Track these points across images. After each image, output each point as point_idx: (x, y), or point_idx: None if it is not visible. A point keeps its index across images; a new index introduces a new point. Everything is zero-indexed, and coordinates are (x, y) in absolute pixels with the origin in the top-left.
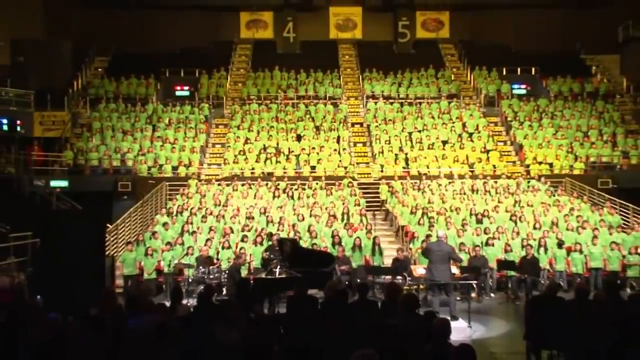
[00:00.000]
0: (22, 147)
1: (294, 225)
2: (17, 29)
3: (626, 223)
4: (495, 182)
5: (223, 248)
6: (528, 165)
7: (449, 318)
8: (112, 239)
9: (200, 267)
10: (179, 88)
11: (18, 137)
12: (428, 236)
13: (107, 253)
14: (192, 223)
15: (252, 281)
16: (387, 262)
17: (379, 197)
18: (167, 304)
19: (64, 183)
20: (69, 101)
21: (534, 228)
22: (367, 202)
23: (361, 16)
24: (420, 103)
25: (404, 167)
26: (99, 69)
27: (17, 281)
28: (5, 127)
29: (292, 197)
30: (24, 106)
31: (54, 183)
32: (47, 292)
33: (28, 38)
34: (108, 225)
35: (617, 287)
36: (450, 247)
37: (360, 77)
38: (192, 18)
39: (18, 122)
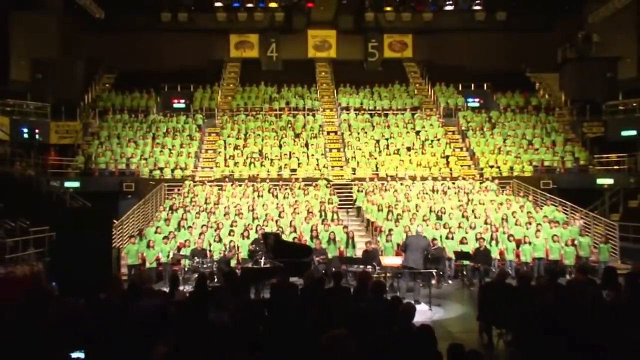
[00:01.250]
0: (40, 153)
1: (277, 221)
2: (37, 50)
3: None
4: (453, 184)
5: (215, 241)
6: (481, 169)
7: (413, 302)
8: (117, 232)
9: (195, 258)
10: (176, 101)
11: (37, 144)
12: (390, 230)
13: (113, 245)
14: (187, 219)
15: (240, 270)
16: (359, 253)
17: (351, 196)
18: (166, 290)
19: (76, 184)
20: (81, 112)
21: (486, 223)
22: (340, 200)
23: (335, 38)
24: (387, 114)
25: (373, 170)
26: (107, 85)
27: (35, 269)
28: (25, 135)
29: (276, 197)
30: (42, 117)
31: (67, 184)
32: (62, 279)
33: (46, 58)
34: (114, 220)
35: (556, 274)
36: (426, 240)
37: (335, 91)
38: (188, 40)
39: (36, 130)
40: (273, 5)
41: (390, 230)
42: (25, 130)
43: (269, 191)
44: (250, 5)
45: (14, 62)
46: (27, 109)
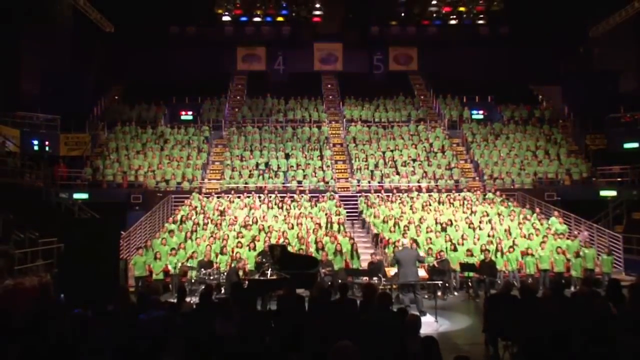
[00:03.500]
0: (50, 164)
1: (283, 233)
2: (47, 63)
3: (569, 230)
4: (458, 195)
5: (222, 253)
6: (485, 181)
7: (418, 314)
8: (125, 244)
9: (202, 269)
10: (183, 113)
11: (46, 156)
12: (395, 242)
13: (121, 256)
14: (195, 231)
15: (247, 282)
16: (364, 264)
17: (357, 208)
18: (174, 301)
19: (85, 195)
20: (90, 124)
21: (491, 235)
22: (346, 212)
23: (341, 51)
24: (392, 126)
25: (378, 182)
26: (116, 97)
27: (44, 281)
28: (36, 147)
29: (281, 208)
30: (52, 129)
31: (76, 195)
32: (70, 290)
33: (56, 71)
34: (122, 232)
35: (562, 286)
36: (415, 251)
37: (341, 103)
38: (196, 53)
39: (46, 142)
40: (280, 19)
41: (395, 242)
42: (36, 142)
43: (275, 203)
44: (257, 19)
45: (25, 75)
46: (37, 121)
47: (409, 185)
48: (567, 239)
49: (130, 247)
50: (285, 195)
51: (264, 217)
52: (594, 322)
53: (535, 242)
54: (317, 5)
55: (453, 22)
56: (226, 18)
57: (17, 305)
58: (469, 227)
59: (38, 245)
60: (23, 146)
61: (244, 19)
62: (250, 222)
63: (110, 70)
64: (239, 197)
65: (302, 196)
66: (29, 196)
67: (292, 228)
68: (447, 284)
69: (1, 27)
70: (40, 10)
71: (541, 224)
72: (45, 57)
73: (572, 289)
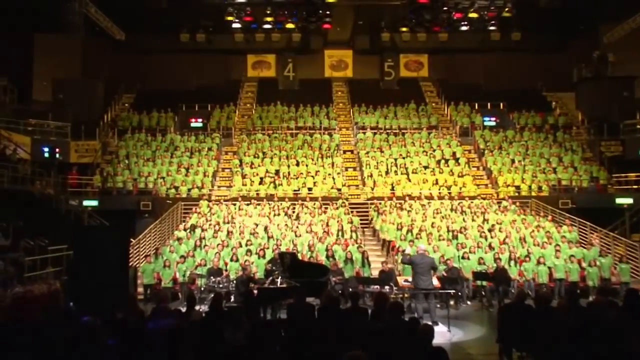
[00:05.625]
0: (60, 172)
1: (292, 241)
2: (59, 71)
3: (584, 239)
4: (471, 203)
5: (231, 260)
6: (498, 188)
7: (431, 323)
8: (134, 251)
9: (211, 277)
10: (193, 120)
11: (57, 163)
12: (403, 250)
13: (130, 264)
14: (204, 238)
15: (256, 290)
16: (375, 273)
17: (368, 215)
18: (183, 309)
19: (94, 203)
20: (100, 132)
21: (504, 243)
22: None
23: (352, 58)
24: (403, 133)
25: (390, 190)
26: (126, 104)
27: (53, 289)
28: (46, 155)
29: (291, 216)
30: (62, 136)
31: (86, 203)
32: (79, 298)
33: (67, 78)
34: (131, 239)
35: (577, 295)
36: (432, 258)
37: (351, 110)
38: (206, 60)
39: (57, 150)
40: (290, 26)
41: (403, 250)
42: (46, 149)
43: (284, 211)
44: (267, 26)
45: (36, 83)
46: (48, 128)
47: (420, 193)
48: (583, 247)
49: (140, 254)
50: (295, 202)
51: (273, 224)
52: (611, 333)
53: (550, 251)
54: (328, 12)
55: (464, 28)
56: (236, 25)
57: (26, 313)
58: (481, 236)
59: (48, 252)
60: (34, 153)
61: (254, 26)
62: (260, 230)
63: (120, 78)
64: (248, 205)
65: (315, 203)
66: (39, 203)
67: (302, 236)
68: (459, 293)
69: (13, 36)
70: (52, 19)
71: (558, 232)
72: (56, 65)
73: (590, 298)
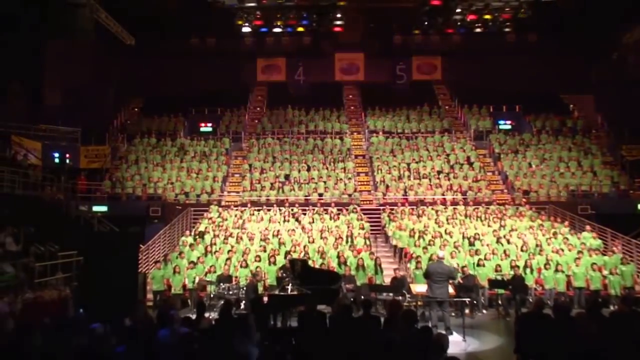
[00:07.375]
0: (70, 177)
1: (304, 247)
2: (69, 77)
3: (605, 246)
4: (487, 208)
5: (241, 267)
6: (514, 193)
7: (445, 332)
8: (144, 257)
9: (221, 284)
10: (203, 125)
11: (67, 168)
12: (418, 257)
13: (140, 270)
14: (215, 244)
15: (267, 297)
16: (387, 280)
17: (380, 221)
18: (192, 316)
19: (104, 208)
20: (110, 137)
21: (521, 250)
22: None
23: (363, 61)
24: (416, 137)
25: (402, 195)
26: (135, 109)
27: (63, 295)
28: (56, 160)
29: (302, 222)
30: (73, 141)
31: (95, 208)
32: (89, 304)
33: (77, 84)
34: (141, 245)
35: (598, 304)
36: (449, 267)
37: (363, 114)
38: (216, 64)
39: (67, 155)
40: (300, 29)
41: (418, 257)
42: (57, 154)
43: (294, 217)
44: (278, 30)
45: (47, 88)
46: (58, 133)
47: (434, 198)
48: (604, 254)
49: (149, 260)
50: (306, 208)
51: (284, 230)
52: (634, 343)
53: (569, 258)
54: (339, 15)
55: (478, 30)
56: (246, 29)
57: (36, 318)
58: (497, 242)
59: (58, 258)
60: (44, 159)
61: (264, 29)
62: (271, 236)
63: (130, 83)
64: (258, 210)
65: (327, 209)
66: (49, 209)
67: (314, 242)
68: (475, 301)
69: (24, 41)
70: (63, 24)
71: (578, 239)
72: (67, 71)
73: (611, 308)
